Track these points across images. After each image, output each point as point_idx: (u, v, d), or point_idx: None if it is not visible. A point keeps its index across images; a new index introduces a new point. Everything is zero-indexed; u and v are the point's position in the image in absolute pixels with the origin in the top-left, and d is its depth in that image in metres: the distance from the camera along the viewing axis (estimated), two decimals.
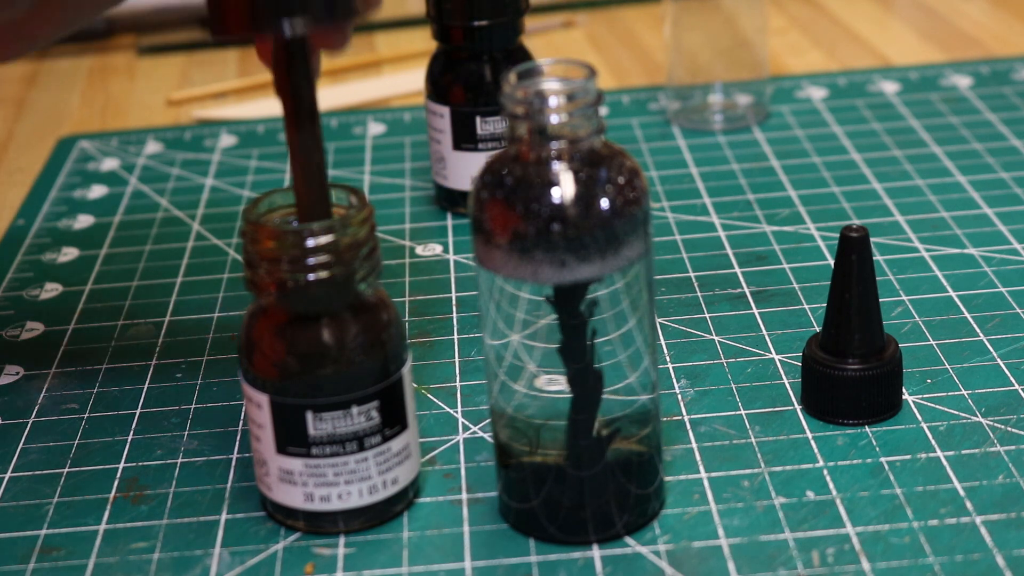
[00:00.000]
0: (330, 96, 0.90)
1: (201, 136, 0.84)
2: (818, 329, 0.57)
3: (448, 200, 0.71)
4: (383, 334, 0.47)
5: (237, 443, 0.54)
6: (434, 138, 0.71)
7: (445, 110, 0.69)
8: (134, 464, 0.53)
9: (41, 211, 0.75)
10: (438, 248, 0.68)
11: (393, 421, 0.47)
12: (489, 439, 0.53)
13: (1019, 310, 0.59)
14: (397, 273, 0.66)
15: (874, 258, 0.56)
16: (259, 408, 0.47)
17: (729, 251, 0.66)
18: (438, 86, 0.70)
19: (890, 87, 0.84)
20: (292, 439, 0.47)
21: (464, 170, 0.70)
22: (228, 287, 0.66)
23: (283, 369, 0.46)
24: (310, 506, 0.48)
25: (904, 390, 0.54)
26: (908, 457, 0.50)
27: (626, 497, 0.47)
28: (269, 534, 0.49)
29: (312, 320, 0.46)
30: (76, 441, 0.55)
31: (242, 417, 0.55)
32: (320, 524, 0.48)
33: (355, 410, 0.46)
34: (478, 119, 0.69)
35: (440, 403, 0.56)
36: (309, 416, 0.46)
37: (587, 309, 0.44)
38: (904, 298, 0.61)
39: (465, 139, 0.69)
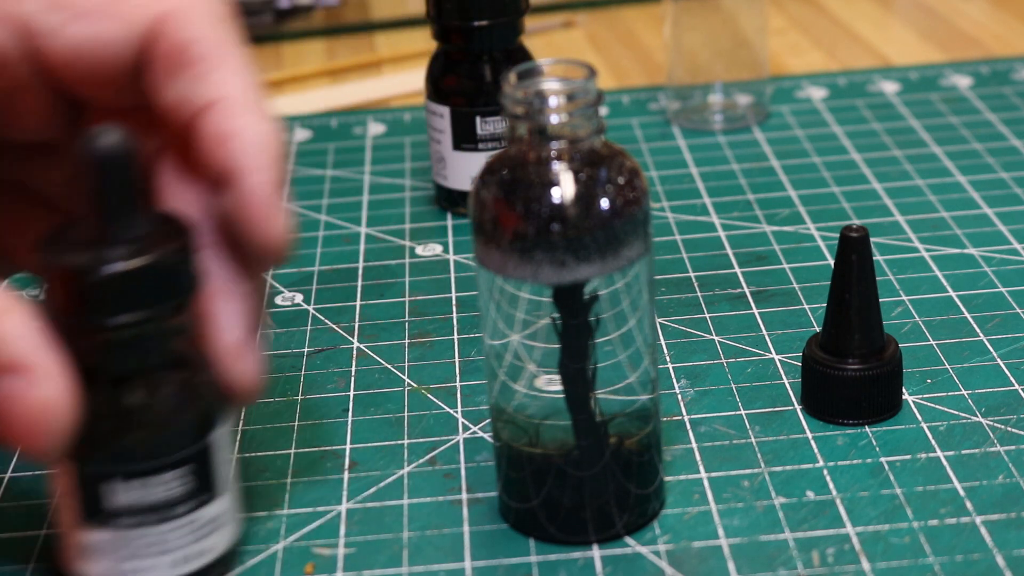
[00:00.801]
0: (330, 96, 0.90)
1: None
2: (818, 329, 0.57)
3: (448, 200, 0.71)
4: (195, 394, 0.43)
5: (237, 443, 0.54)
6: (434, 138, 0.71)
7: (445, 110, 0.69)
8: None
9: None
10: (438, 248, 0.68)
11: (205, 488, 0.44)
12: (489, 439, 0.53)
13: (1019, 310, 0.59)
14: (397, 273, 0.66)
15: (874, 258, 0.56)
16: (60, 476, 0.43)
17: (729, 251, 0.66)
18: (438, 86, 0.70)
19: (890, 87, 0.84)
20: (93, 510, 0.43)
21: (464, 170, 0.70)
22: None
23: (85, 434, 0.42)
24: None
25: (904, 390, 0.54)
26: (908, 457, 0.50)
27: (626, 497, 0.47)
28: (269, 534, 0.49)
29: (119, 380, 0.42)
30: None
31: (242, 417, 0.55)
32: None
33: (164, 477, 0.43)
34: (478, 119, 0.69)
35: (440, 403, 0.56)
36: (111, 485, 0.43)
37: (589, 309, 0.44)
38: (904, 298, 0.61)
39: (465, 139, 0.69)
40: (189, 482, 0.43)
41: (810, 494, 0.49)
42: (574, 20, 1.02)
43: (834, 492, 0.49)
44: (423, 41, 0.99)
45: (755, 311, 0.61)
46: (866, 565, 0.45)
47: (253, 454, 0.53)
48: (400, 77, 0.92)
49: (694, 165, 0.75)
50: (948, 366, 0.56)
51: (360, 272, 0.66)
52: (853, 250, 0.51)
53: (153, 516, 0.43)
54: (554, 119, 0.43)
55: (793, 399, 0.54)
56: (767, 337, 0.58)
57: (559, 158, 0.43)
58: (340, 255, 0.68)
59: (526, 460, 0.47)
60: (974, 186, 0.71)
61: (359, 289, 0.65)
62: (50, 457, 0.42)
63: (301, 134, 0.83)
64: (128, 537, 0.43)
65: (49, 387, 0.40)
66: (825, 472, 0.50)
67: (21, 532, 0.50)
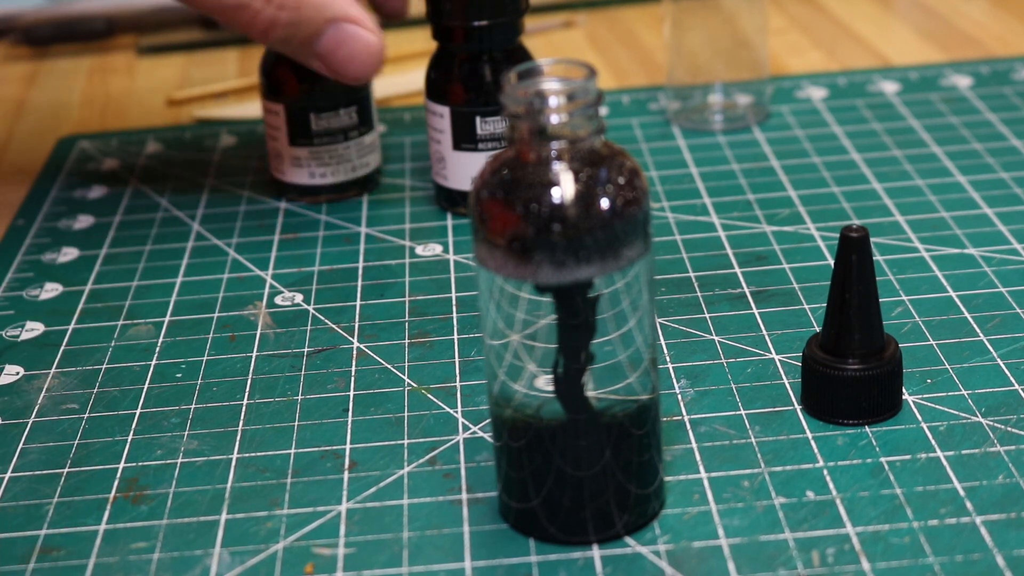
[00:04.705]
0: None
1: (201, 136, 0.84)
2: (818, 329, 0.57)
3: (448, 200, 0.71)
4: None
5: (237, 443, 0.54)
6: (434, 138, 0.71)
7: (445, 110, 0.69)
8: (134, 464, 0.53)
9: (41, 211, 0.75)
10: (438, 248, 0.68)
11: (365, 121, 0.71)
12: (489, 439, 0.53)
13: (1019, 310, 0.59)
14: (397, 273, 0.66)
15: (874, 258, 0.56)
16: (274, 114, 0.70)
17: (729, 251, 0.66)
18: (438, 86, 0.70)
19: (890, 87, 0.84)
20: (301, 133, 0.70)
21: (464, 170, 0.70)
22: (228, 287, 0.66)
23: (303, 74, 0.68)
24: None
25: (904, 390, 0.54)
26: (908, 457, 0.50)
27: (626, 497, 0.47)
28: (269, 534, 0.49)
29: None
30: (76, 441, 0.55)
31: (242, 417, 0.55)
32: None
33: (341, 112, 0.69)
34: (478, 119, 0.69)
35: (440, 403, 0.56)
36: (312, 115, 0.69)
37: (588, 308, 0.44)
38: (904, 298, 0.61)
39: (465, 139, 0.69)
40: (355, 116, 0.71)
41: (810, 494, 0.49)
42: (574, 20, 1.02)
43: (834, 492, 0.49)
44: (423, 41, 0.99)
45: (755, 311, 0.61)
46: (866, 565, 0.45)
47: (253, 454, 0.53)
48: (400, 77, 0.92)
49: (694, 165, 0.75)
50: (948, 366, 0.56)
51: (360, 272, 0.66)
52: (853, 250, 0.51)
53: (337, 136, 0.71)
54: (554, 119, 0.43)
55: (793, 399, 0.54)
56: (767, 337, 0.58)
57: (559, 158, 0.43)
58: (340, 255, 0.68)
59: (526, 458, 0.47)
60: (974, 186, 0.71)
61: (359, 289, 0.65)
62: (363, 83, 0.67)
63: None
64: (321, 151, 0.71)
65: (374, 36, 0.63)
66: (825, 472, 0.50)
67: (21, 532, 0.50)
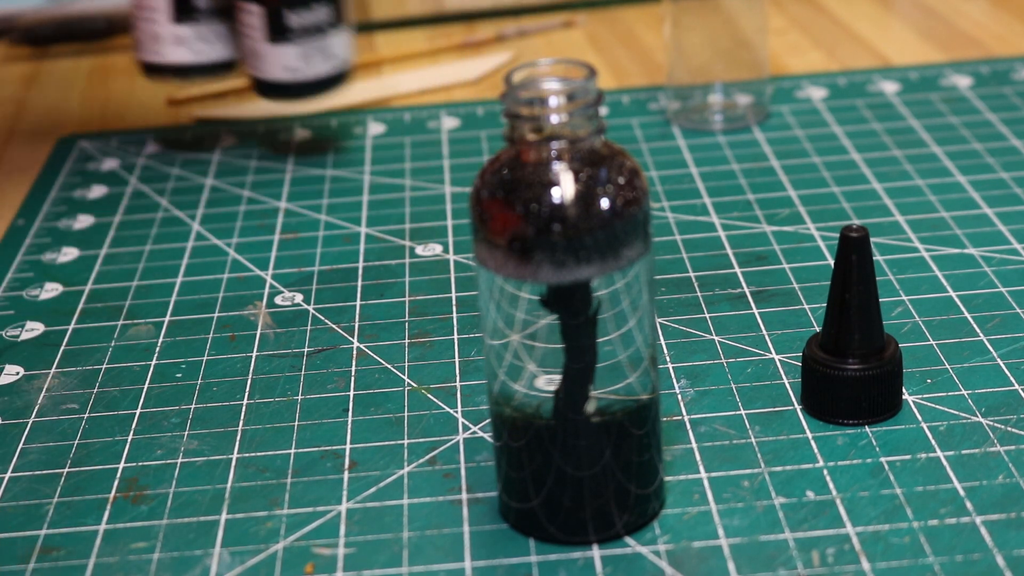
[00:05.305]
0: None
1: (201, 136, 0.84)
2: (818, 329, 0.57)
3: (262, 91, 0.75)
4: None
5: (237, 443, 0.54)
6: (246, 34, 0.74)
7: (255, 7, 0.73)
8: (134, 464, 0.53)
9: (41, 211, 0.75)
10: (438, 248, 0.68)
11: (339, 19, 0.74)
12: (489, 439, 0.53)
13: (1019, 310, 0.59)
14: (397, 273, 0.66)
15: (874, 258, 0.56)
16: (245, 13, 0.72)
17: (729, 251, 0.66)
18: None
19: (890, 87, 0.84)
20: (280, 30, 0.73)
21: (277, 62, 0.73)
22: (228, 287, 0.66)
23: None
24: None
25: (904, 390, 0.54)
26: (908, 457, 0.50)
27: (626, 497, 0.47)
28: (269, 534, 0.49)
29: None
30: (76, 441, 0.55)
31: (242, 417, 0.55)
32: None
33: (317, 11, 0.73)
34: (287, 12, 0.72)
35: (440, 403, 0.56)
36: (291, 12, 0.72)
37: (592, 309, 0.44)
38: (904, 298, 0.61)
39: (279, 32, 0.73)
40: (331, 14, 0.74)
41: (810, 494, 0.49)
42: (574, 20, 1.02)
43: (834, 492, 0.49)
44: (423, 41, 0.99)
45: (755, 311, 0.61)
46: (866, 565, 0.45)
47: (253, 454, 0.53)
48: (400, 77, 0.92)
49: (694, 165, 0.75)
50: (948, 366, 0.56)
51: (360, 272, 0.66)
52: (853, 250, 0.51)
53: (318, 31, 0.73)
54: (554, 119, 0.43)
55: (793, 399, 0.54)
56: (767, 337, 0.58)
57: (559, 158, 0.43)
58: (340, 255, 0.68)
59: (526, 458, 0.47)
60: (974, 186, 0.71)
61: (359, 289, 0.65)
62: None
63: (302, 134, 0.83)
64: (301, 45, 0.73)
65: None
66: (825, 472, 0.50)
67: (21, 532, 0.50)
